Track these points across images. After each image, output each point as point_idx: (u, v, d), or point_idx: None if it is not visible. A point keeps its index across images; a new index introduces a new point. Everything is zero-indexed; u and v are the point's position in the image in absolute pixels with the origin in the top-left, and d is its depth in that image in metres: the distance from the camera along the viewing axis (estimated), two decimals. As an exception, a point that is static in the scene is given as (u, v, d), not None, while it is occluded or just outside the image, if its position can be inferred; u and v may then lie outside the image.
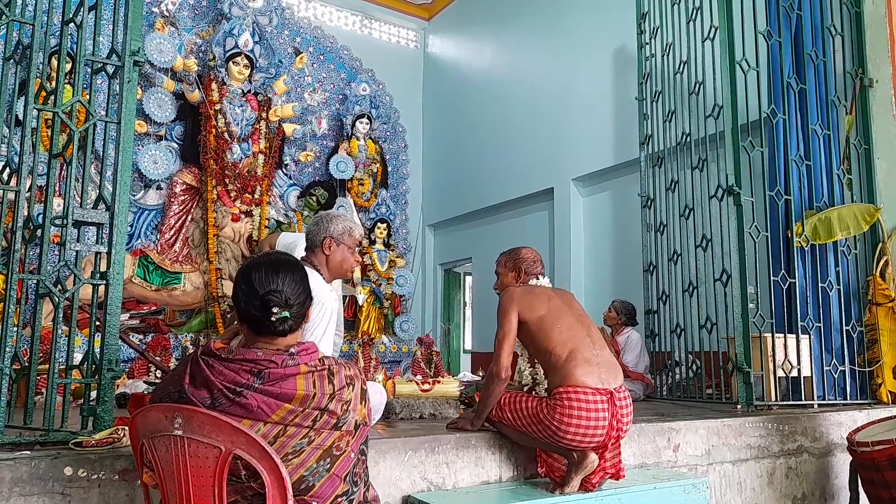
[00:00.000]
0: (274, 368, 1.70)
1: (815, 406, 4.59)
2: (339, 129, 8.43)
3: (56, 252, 2.85)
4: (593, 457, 2.76)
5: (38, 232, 2.65)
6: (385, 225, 8.26)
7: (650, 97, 5.95)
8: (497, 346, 2.99)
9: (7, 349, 2.52)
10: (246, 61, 7.04)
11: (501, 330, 3.00)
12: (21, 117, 2.67)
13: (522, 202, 8.87)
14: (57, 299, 2.61)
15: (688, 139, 5.44)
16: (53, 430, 2.50)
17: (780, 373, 4.60)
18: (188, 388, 1.70)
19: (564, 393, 2.75)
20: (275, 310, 1.75)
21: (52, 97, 2.75)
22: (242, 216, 6.99)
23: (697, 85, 5.31)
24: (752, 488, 3.82)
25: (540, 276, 3.23)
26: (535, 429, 2.82)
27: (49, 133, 2.76)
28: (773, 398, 4.55)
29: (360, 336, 7.60)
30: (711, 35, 5.10)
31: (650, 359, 5.73)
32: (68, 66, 3.12)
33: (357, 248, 3.16)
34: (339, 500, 1.74)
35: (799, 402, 4.61)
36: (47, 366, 2.65)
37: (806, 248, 4.88)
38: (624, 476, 2.93)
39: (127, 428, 2.28)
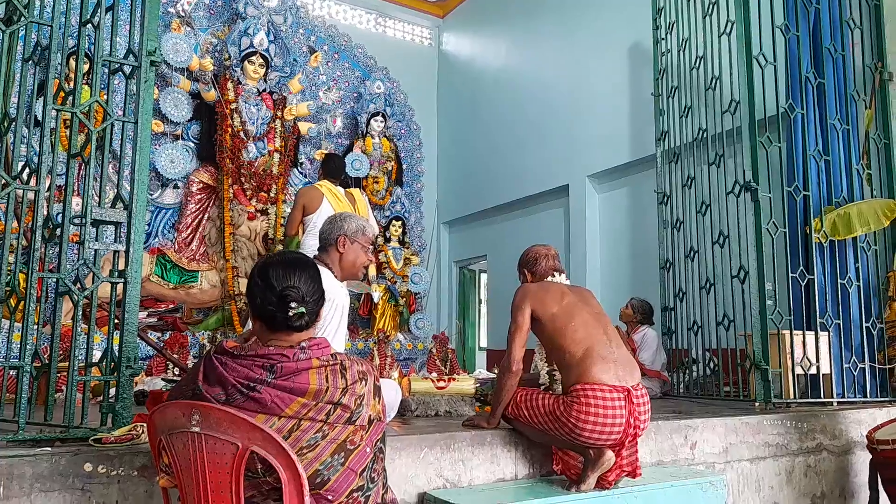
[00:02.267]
0: (286, 363, 1.72)
1: (835, 404, 4.55)
2: (353, 127, 8.44)
3: (75, 251, 2.88)
4: (610, 454, 2.75)
5: (58, 231, 2.68)
6: (400, 223, 8.25)
7: (666, 93, 5.91)
8: (509, 339, 3.01)
9: (28, 347, 2.55)
10: (261, 60, 7.07)
11: (514, 324, 3.01)
12: (40, 118, 2.70)
13: (537, 199, 8.85)
14: (76, 297, 2.64)
15: (704, 135, 5.40)
16: (73, 427, 2.53)
17: (798, 370, 4.56)
18: (202, 386, 1.71)
19: (581, 390, 2.74)
20: (293, 304, 1.77)
21: (71, 98, 2.78)
22: (258, 214, 7.02)
23: (714, 80, 5.26)
24: (770, 486, 3.79)
25: (556, 273, 3.22)
26: (551, 426, 2.82)
27: (67, 133, 2.79)
28: (792, 396, 4.51)
29: (375, 334, 7.62)
30: (728, 30, 5.05)
31: (667, 356, 5.70)
32: (86, 67, 3.15)
33: (371, 248, 3.20)
34: (355, 495, 1.75)
35: (818, 400, 4.56)
36: (67, 363, 2.68)
37: (825, 244, 4.83)
38: (641, 474, 2.92)
39: (145, 425, 2.30)
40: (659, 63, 6.01)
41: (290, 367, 1.72)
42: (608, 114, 7.65)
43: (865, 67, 5.27)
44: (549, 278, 3.21)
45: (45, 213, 2.71)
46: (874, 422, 4.12)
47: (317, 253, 3.16)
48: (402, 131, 8.94)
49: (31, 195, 2.78)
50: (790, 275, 4.71)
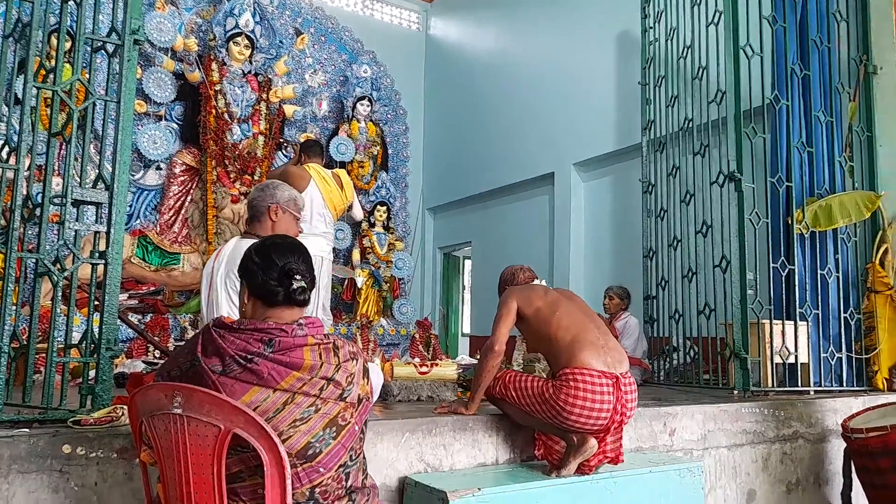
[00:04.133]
0: (284, 337, 1.76)
1: (812, 392, 4.61)
2: (339, 111, 8.39)
3: (55, 231, 2.85)
4: (593, 442, 2.77)
5: (37, 211, 2.64)
6: (385, 208, 8.25)
7: (653, 82, 5.92)
8: (495, 323, 3.04)
9: (6, 328, 2.52)
10: (246, 42, 7.00)
11: (500, 311, 3.05)
12: (20, 96, 2.66)
13: (523, 187, 8.85)
14: (56, 278, 2.61)
15: (690, 125, 5.42)
16: (52, 409, 2.51)
17: (777, 359, 4.61)
18: (200, 357, 1.74)
19: (570, 374, 2.75)
20: (297, 277, 1.85)
21: (52, 75, 2.73)
22: (242, 197, 6.98)
23: (701, 70, 5.27)
24: (746, 473, 3.85)
25: (535, 281, 3.32)
26: (539, 409, 2.82)
27: (48, 112, 2.74)
28: (770, 384, 4.56)
29: (358, 318, 7.62)
30: (716, 20, 5.06)
31: (648, 344, 5.75)
32: (68, 45, 3.09)
33: (300, 217, 3.09)
34: (340, 470, 1.79)
35: (795, 389, 4.62)
36: (46, 344, 2.66)
37: (806, 235, 4.88)
38: (623, 461, 2.95)
39: (125, 407, 2.29)
40: (646, 52, 6.01)
41: (288, 342, 1.76)
42: (595, 102, 7.65)
43: (851, 60, 5.30)
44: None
45: (25, 192, 2.67)
46: (849, 410, 4.19)
47: (245, 228, 3.07)
48: (389, 116, 8.90)
49: (10, 174, 2.74)
50: (771, 265, 4.76)
